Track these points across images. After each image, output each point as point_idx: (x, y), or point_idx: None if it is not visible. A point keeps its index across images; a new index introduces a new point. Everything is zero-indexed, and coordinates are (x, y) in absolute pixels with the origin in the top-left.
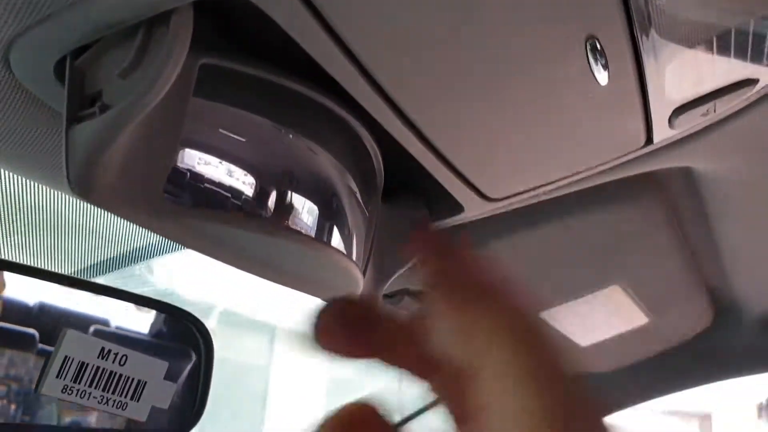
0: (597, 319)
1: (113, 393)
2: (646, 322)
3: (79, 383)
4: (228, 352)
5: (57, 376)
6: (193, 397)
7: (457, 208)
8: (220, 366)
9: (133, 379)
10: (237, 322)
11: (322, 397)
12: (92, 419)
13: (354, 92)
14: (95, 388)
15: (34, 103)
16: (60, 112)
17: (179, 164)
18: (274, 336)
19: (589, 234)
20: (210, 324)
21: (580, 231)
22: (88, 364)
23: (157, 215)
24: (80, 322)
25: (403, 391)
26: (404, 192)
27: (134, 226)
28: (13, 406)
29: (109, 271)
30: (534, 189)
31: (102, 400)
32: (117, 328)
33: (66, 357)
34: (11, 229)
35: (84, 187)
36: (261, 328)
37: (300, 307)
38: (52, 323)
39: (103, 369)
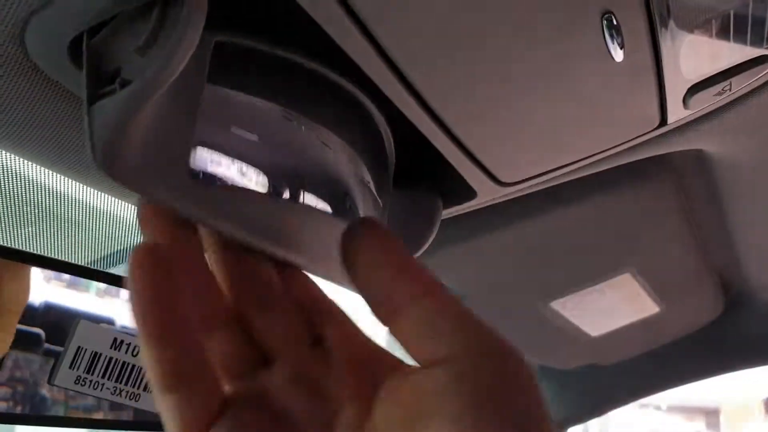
0: (607, 309)
1: (126, 384)
2: (657, 312)
3: (92, 374)
4: None
5: (70, 367)
6: None
7: (469, 193)
8: None
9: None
10: None
11: None
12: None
13: (367, 69)
14: (108, 379)
15: (50, 86)
16: (75, 95)
17: (191, 166)
18: None
19: (600, 220)
20: None
21: (591, 217)
22: (101, 355)
23: (181, 193)
24: None
25: None
26: (415, 178)
27: (126, 222)
28: (18, 408)
29: (110, 267)
30: (547, 173)
31: (115, 391)
32: (122, 327)
33: (79, 347)
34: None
35: (110, 163)
36: None
37: None
38: (57, 323)
39: (116, 360)
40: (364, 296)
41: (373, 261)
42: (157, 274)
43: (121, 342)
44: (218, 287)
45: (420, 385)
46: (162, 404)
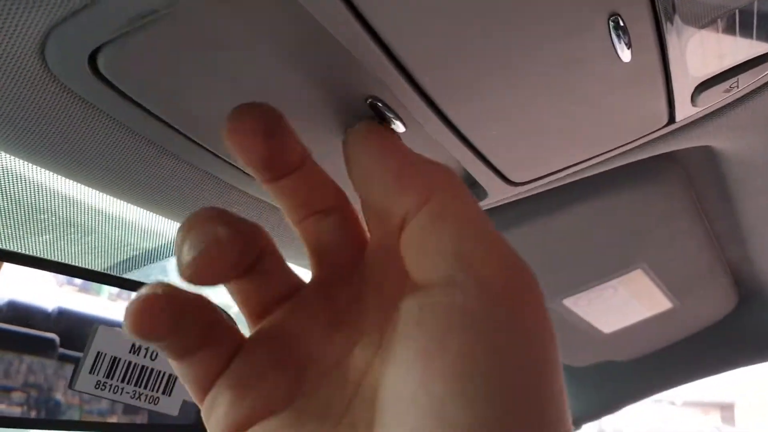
0: (620, 306)
1: (145, 388)
2: (670, 308)
3: (112, 378)
4: None
5: (90, 372)
6: None
7: (480, 193)
8: None
9: (164, 374)
10: None
11: None
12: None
13: (375, 70)
14: (128, 383)
15: (68, 96)
16: (92, 104)
17: None
18: None
19: (611, 217)
20: None
21: (602, 214)
22: (120, 359)
23: None
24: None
25: None
26: None
27: (139, 229)
28: (33, 413)
29: (124, 273)
30: (558, 172)
31: (135, 395)
32: None
33: (99, 352)
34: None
35: None
36: None
37: None
38: (71, 327)
39: (135, 364)
40: (368, 209)
41: (372, 162)
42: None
43: (140, 347)
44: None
45: (401, 315)
46: (175, 370)
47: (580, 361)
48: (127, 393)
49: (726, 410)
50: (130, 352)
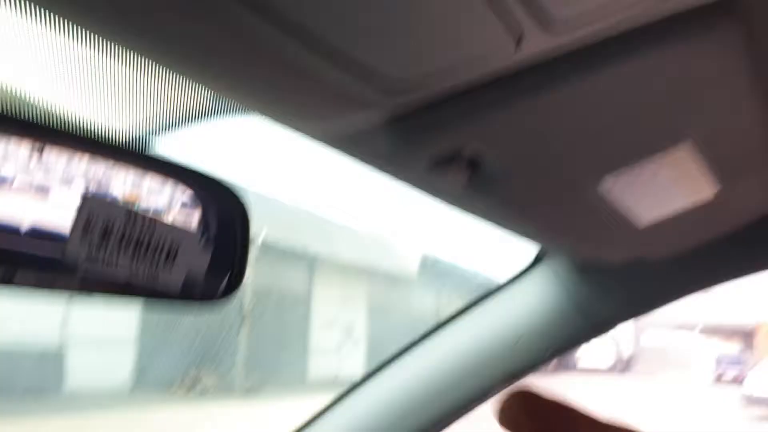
0: (659, 192)
1: (143, 261)
2: (711, 197)
3: (106, 251)
4: (268, 282)
5: (81, 241)
6: (230, 263)
7: (513, 37)
8: (261, 298)
9: (164, 246)
10: (276, 252)
11: (362, 323)
12: None
13: None
14: (123, 255)
15: None
16: None
17: None
18: (314, 265)
19: (657, 78)
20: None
21: (647, 74)
22: (114, 229)
23: None
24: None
25: None
26: None
27: None
28: None
29: None
30: (601, 14)
31: (131, 268)
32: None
33: (89, 220)
34: None
35: None
36: (301, 258)
37: (339, 235)
38: None
39: (131, 235)
40: None
41: None
42: None
43: (136, 216)
44: None
45: None
46: None
47: (612, 255)
48: (122, 266)
49: (747, 337)
50: (126, 223)
